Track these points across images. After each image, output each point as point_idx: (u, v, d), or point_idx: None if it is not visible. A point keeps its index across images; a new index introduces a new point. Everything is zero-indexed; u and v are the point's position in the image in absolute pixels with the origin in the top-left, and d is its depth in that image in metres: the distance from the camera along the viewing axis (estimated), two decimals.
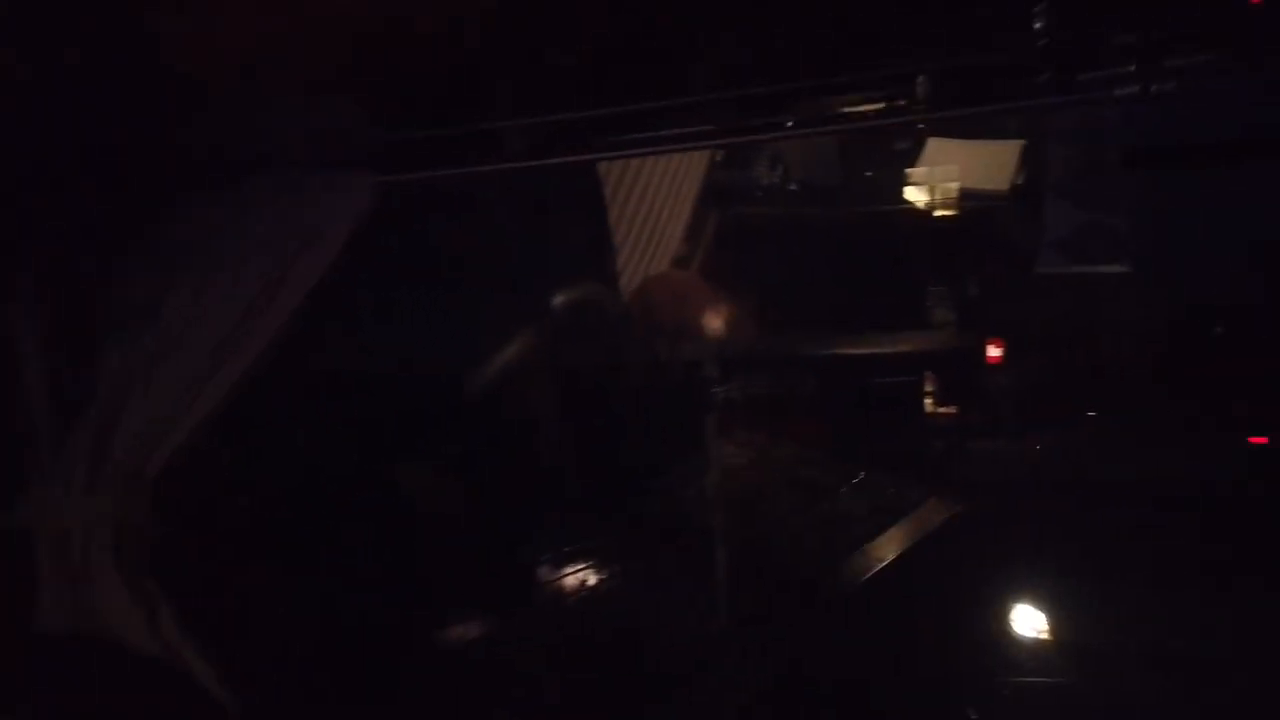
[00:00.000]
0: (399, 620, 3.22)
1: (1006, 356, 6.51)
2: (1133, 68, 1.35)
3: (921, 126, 4.22)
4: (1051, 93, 1.40)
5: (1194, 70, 1.34)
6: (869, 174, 5.87)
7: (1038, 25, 1.33)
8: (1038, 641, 4.36)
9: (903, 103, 1.58)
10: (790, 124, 1.64)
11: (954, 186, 6.34)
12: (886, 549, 4.49)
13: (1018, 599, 4.40)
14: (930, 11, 1.41)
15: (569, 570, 4.08)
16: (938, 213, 6.44)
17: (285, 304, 1.95)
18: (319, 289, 1.99)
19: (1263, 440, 5.16)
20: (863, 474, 4.68)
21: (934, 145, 5.80)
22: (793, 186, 5.53)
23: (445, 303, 3.42)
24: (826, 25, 1.43)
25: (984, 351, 6.34)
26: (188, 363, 1.87)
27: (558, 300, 4.19)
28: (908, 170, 6.07)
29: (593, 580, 4.13)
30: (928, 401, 5.92)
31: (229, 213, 1.88)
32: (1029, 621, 4.40)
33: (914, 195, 6.41)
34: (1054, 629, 4.37)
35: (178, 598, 1.96)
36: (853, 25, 1.43)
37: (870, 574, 4.31)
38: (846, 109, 1.57)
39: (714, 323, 4.99)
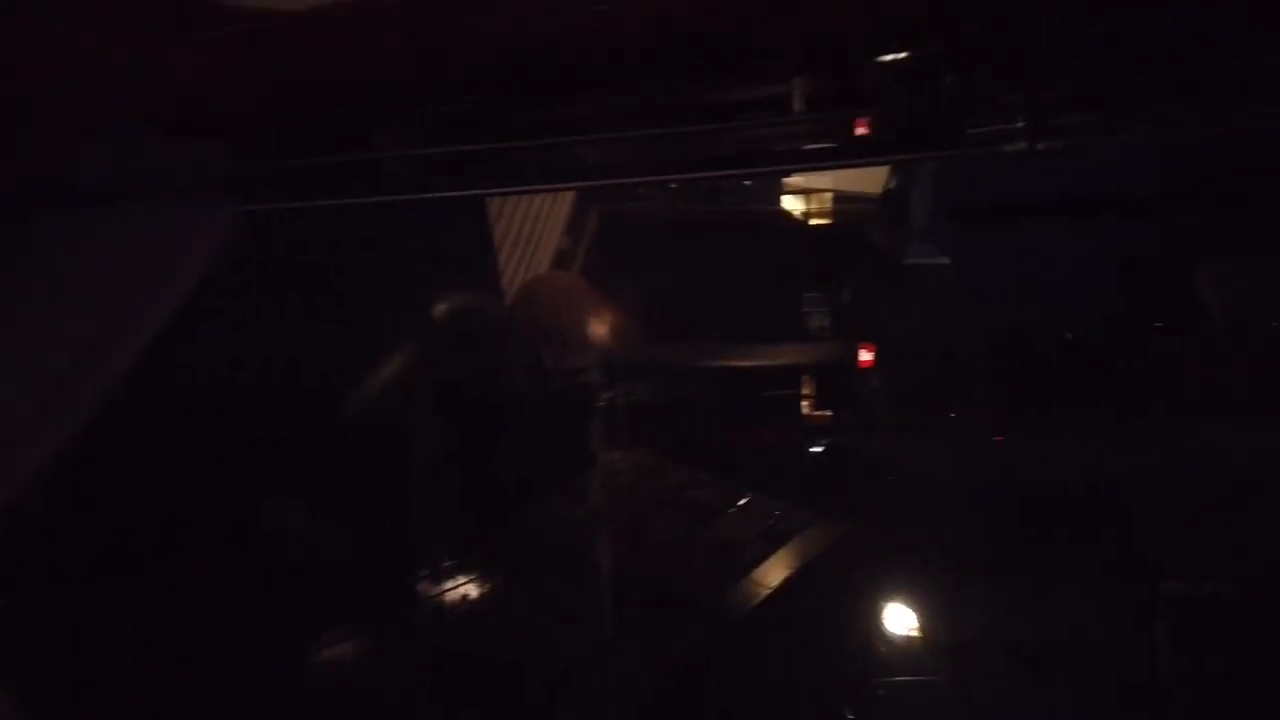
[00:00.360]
0: (273, 656, 3.07)
1: (879, 360, 6.71)
2: (1021, 125, 1.38)
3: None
4: (943, 147, 1.41)
5: (1079, 129, 1.38)
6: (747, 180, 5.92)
7: (932, 82, 1.34)
8: (911, 641, 4.51)
9: (796, 149, 1.57)
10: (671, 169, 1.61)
11: (828, 193, 6.48)
12: (766, 561, 4.56)
13: (890, 601, 4.54)
14: (826, 63, 1.40)
15: (450, 585, 3.99)
16: (814, 218, 6.58)
17: (139, 335, 1.79)
18: (180, 318, 1.84)
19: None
20: (748, 497, 4.74)
21: None
22: (673, 185, 5.54)
23: (316, 316, 3.26)
24: (731, 74, 1.41)
25: (856, 356, 6.51)
26: (12, 414, 1.68)
27: (437, 308, 4.06)
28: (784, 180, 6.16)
29: (474, 595, 4.05)
30: (804, 406, 6.04)
31: (66, 244, 1.71)
32: (903, 622, 4.55)
33: (791, 201, 6.52)
34: (926, 629, 4.53)
35: (10, 675, 1.78)
36: (748, 74, 1.41)
37: (748, 583, 4.38)
38: (737, 152, 1.55)
39: (598, 326, 4.92)
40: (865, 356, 6.66)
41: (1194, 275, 4.25)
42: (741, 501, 4.75)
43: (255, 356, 2.95)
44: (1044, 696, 4.07)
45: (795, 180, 6.23)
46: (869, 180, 6.05)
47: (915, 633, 4.52)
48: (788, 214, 6.09)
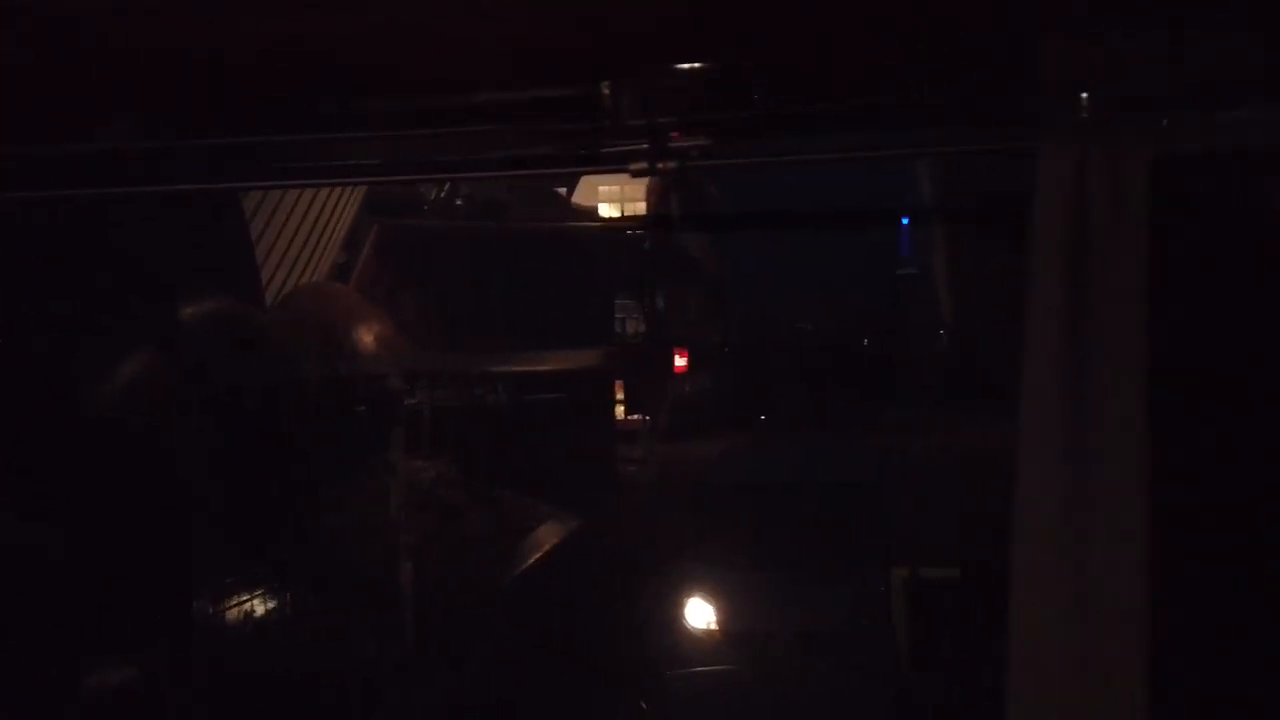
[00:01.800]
0: (37, 689, 2.91)
1: (692, 365, 6.92)
2: (644, 146, 1.52)
3: None
4: (582, 164, 1.54)
5: (692, 153, 1.54)
6: (543, 192, 6.02)
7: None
8: (704, 633, 4.70)
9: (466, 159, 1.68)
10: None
11: (639, 203, 6.68)
12: (551, 561, 4.66)
13: (683, 595, 4.73)
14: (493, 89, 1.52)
15: (229, 603, 3.90)
16: (629, 230, 6.76)
17: None
18: None
19: None
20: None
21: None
22: (459, 202, 5.58)
23: (65, 324, 3.10)
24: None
25: (671, 361, 6.71)
26: None
27: (190, 314, 3.90)
28: (601, 189, 6.31)
29: (256, 610, 3.98)
30: (611, 411, 6.19)
31: None
32: (697, 615, 4.74)
33: (607, 212, 6.68)
34: (718, 621, 4.73)
35: None
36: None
37: (534, 584, 4.47)
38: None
39: (366, 338, 4.88)
40: (680, 361, 6.86)
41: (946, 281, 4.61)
42: (536, 511, 4.84)
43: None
44: (820, 679, 4.32)
45: (610, 190, 6.39)
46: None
47: (708, 625, 4.72)
48: (581, 229, 6.21)
